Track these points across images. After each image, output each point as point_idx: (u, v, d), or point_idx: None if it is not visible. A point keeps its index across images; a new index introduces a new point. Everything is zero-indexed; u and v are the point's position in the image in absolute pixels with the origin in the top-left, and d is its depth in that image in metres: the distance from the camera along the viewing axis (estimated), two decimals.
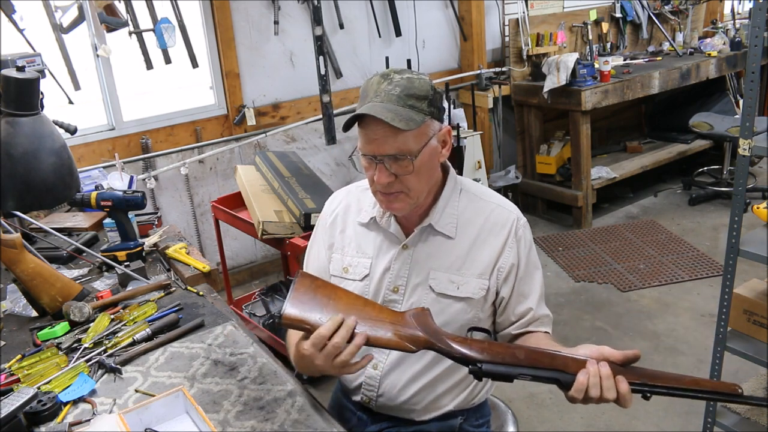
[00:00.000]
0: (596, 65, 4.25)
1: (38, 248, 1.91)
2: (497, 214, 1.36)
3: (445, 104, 3.84)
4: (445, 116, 3.88)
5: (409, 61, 3.94)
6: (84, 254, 1.99)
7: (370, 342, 1.12)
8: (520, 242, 1.34)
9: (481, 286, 1.32)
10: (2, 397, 1.20)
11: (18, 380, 1.33)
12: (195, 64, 3.40)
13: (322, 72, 3.39)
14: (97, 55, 3.20)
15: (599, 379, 1.03)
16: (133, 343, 1.47)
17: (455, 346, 1.10)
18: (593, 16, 4.89)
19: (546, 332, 1.35)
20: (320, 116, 3.75)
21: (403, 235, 1.37)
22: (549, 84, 4.16)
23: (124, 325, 1.54)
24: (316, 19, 3.36)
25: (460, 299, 1.32)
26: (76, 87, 3.09)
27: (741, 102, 5.03)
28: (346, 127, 1.23)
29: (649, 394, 1.04)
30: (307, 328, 1.11)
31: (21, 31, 2.72)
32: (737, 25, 5.41)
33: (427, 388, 1.36)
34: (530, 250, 1.36)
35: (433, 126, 1.26)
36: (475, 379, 1.10)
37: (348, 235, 1.43)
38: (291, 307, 1.12)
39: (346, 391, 1.48)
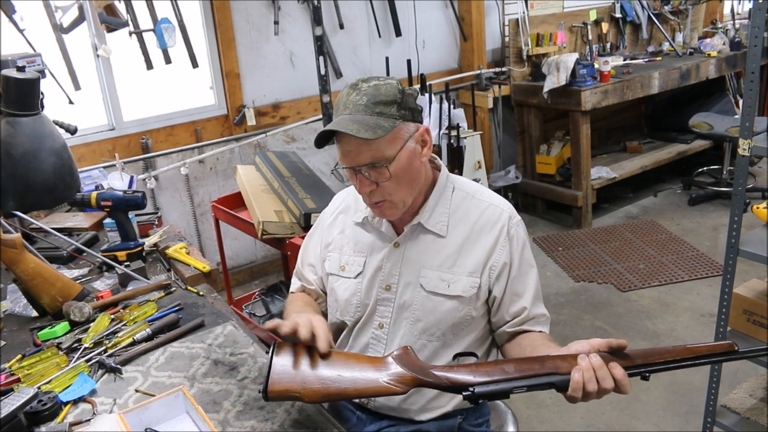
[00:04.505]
0: (596, 65, 4.25)
1: (38, 248, 1.91)
2: (489, 212, 1.36)
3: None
4: (444, 116, 3.89)
5: (409, 62, 3.94)
6: (84, 254, 1.99)
7: (359, 394, 1.12)
8: (513, 241, 1.34)
9: (471, 285, 1.32)
10: (2, 397, 1.20)
11: (18, 380, 1.33)
12: (195, 64, 3.40)
13: (322, 72, 3.39)
14: (98, 55, 3.20)
15: (593, 372, 1.02)
16: (133, 343, 1.47)
17: (442, 375, 1.09)
18: (593, 16, 4.89)
19: (542, 332, 1.34)
20: (320, 116, 3.75)
21: (394, 234, 1.38)
22: (549, 84, 4.16)
23: (124, 325, 1.55)
24: (316, 19, 3.36)
25: (450, 297, 1.32)
26: (77, 87, 3.09)
27: (741, 102, 5.03)
28: (319, 143, 1.25)
29: (647, 374, 1.03)
30: (296, 396, 1.10)
31: (21, 31, 2.72)
32: (737, 26, 5.41)
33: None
34: (523, 248, 1.36)
35: (407, 128, 1.27)
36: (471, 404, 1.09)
37: (347, 235, 1.44)
38: (274, 382, 1.10)
39: None
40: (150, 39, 3.21)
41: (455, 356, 1.20)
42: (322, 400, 1.11)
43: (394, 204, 1.29)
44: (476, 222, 1.35)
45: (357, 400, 1.43)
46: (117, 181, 2.56)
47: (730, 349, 1.01)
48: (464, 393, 1.06)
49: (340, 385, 1.10)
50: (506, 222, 1.35)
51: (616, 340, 1.05)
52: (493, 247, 1.33)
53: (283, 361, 1.12)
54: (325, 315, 1.53)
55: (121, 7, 3.07)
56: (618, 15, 5.07)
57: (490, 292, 1.34)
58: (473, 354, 1.22)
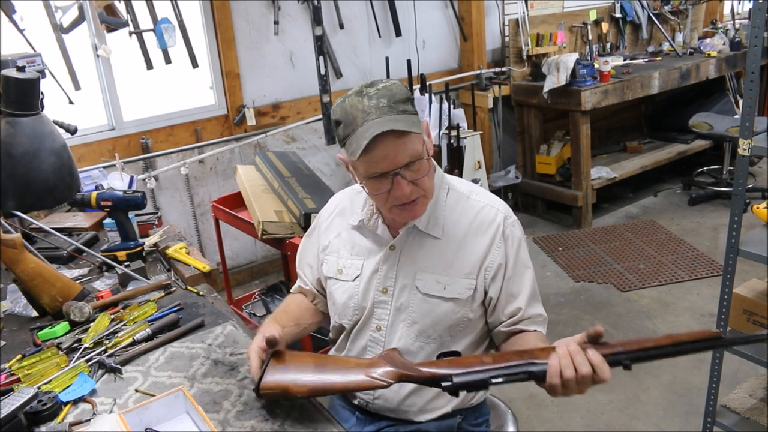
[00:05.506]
0: (596, 65, 4.25)
1: (38, 248, 1.91)
2: (485, 213, 1.35)
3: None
4: (444, 116, 3.90)
5: (409, 62, 3.94)
6: (84, 254, 1.99)
7: (345, 387, 1.18)
8: (508, 241, 1.33)
9: (467, 286, 1.31)
10: (2, 397, 1.20)
11: (18, 380, 1.33)
12: (195, 64, 3.40)
13: (322, 72, 3.40)
14: (98, 55, 3.20)
15: (570, 358, 1.02)
16: (133, 343, 1.47)
17: (423, 369, 1.12)
18: (593, 16, 4.89)
19: (536, 331, 1.33)
20: (320, 116, 3.75)
21: (390, 237, 1.37)
22: (549, 84, 4.16)
23: (125, 325, 1.55)
24: (316, 19, 3.36)
25: (447, 299, 1.32)
26: (77, 87, 3.09)
27: (741, 102, 5.03)
28: (365, 152, 1.17)
29: (628, 362, 1.02)
30: (285, 390, 1.17)
31: (21, 31, 2.72)
32: (737, 26, 5.41)
33: (422, 388, 1.35)
34: (519, 249, 1.35)
35: (421, 123, 1.27)
36: (451, 396, 1.11)
37: (343, 238, 1.44)
38: (267, 379, 1.17)
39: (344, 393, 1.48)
40: (150, 39, 3.21)
41: (439, 355, 1.20)
42: (309, 393, 1.17)
43: (427, 198, 1.29)
44: (472, 223, 1.34)
45: (356, 402, 1.43)
46: (117, 181, 2.56)
47: (717, 336, 1.01)
48: (444, 383, 1.08)
49: (326, 379, 1.17)
50: (501, 222, 1.34)
51: (592, 328, 1.05)
52: (488, 248, 1.32)
53: (277, 362, 1.20)
54: (326, 315, 1.54)
55: (121, 7, 3.07)
56: (618, 15, 5.07)
57: (486, 293, 1.34)
58: (456, 353, 1.23)
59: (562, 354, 1.03)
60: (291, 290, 1.59)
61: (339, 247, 1.43)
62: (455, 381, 1.07)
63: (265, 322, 1.36)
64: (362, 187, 1.29)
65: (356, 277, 1.39)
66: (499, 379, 1.06)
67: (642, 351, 1.02)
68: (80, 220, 2.27)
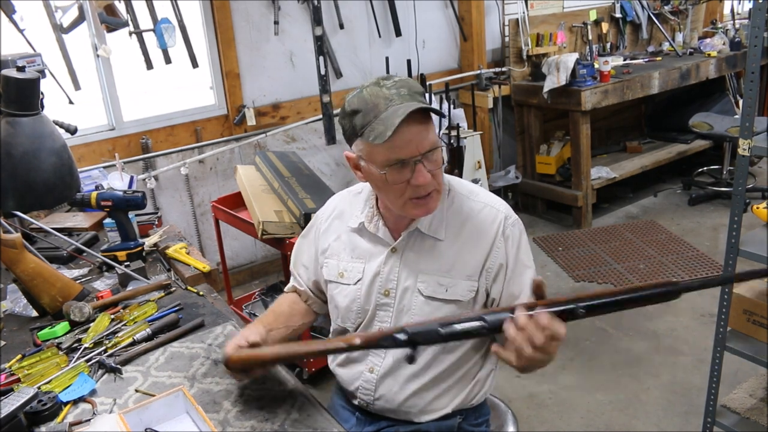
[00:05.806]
0: (596, 65, 4.25)
1: (38, 248, 1.91)
2: (485, 213, 1.35)
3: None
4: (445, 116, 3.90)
5: (409, 62, 3.94)
6: (84, 254, 1.99)
7: (309, 352, 1.29)
8: (508, 241, 1.33)
9: (469, 288, 1.31)
10: (2, 397, 1.20)
11: (18, 380, 1.33)
12: (195, 64, 3.40)
13: (322, 72, 3.39)
14: (98, 55, 3.20)
15: (523, 335, 1.01)
16: (133, 343, 1.47)
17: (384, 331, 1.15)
18: (593, 16, 4.89)
19: None
20: (320, 116, 3.75)
21: (391, 239, 1.36)
22: (549, 84, 4.16)
23: (125, 325, 1.55)
24: (316, 19, 3.36)
25: (448, 302, 1.31)
26: (77, 87, 3.09)
27: (740, 102, 5.03)
28: (392, 135, 1.15)
29: (582, 311, 1.01)
30: (252, 359, 1.23)
31: (21, 31, 2.72)
32: (737, 26, 5.41)
33: (423, 390, 1.35)
34: (519, 249, 1.34)
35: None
36: (409, 361, 1.11)
37: (343, 241, 1.43)
38: (235, 353, 1.23)
39: (344, 393, 1.48)
40: (150, 39, 3.21)
41: None
42: (274, 358, 1.23)
43: (439, 193, 1.29)
44: (473, 224, 1.34)
45: (356, 402, 1.42)
46: (117, 181, 2.56)
47: (670, 282, 1.00)
48: (398, 337, 1.08)
49: (291, 346, 1.25)
50: (502, 222, 1.33)
51: (533, 282, 1.06)
52: (489, 249, 1.32)
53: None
54: (319, 315, 1.55)
55: (121, 7, 3.07)
56: (618, 15, 5.07)
57: (488, 294, 1.34)
58: None
59: (512, 337, 1.02)
60: (285, 289, 1.59)
61: (339, 250, 1.43)
62: (409, 331, 1.08)
63: (250, 324, 1.37)
64: (382, 176, 1.22)
65: (358, 281, 1.38)
66: (455, 327, 1.06)
67: (595, 298, 1.02)
68: (80, 220, 2.27)
